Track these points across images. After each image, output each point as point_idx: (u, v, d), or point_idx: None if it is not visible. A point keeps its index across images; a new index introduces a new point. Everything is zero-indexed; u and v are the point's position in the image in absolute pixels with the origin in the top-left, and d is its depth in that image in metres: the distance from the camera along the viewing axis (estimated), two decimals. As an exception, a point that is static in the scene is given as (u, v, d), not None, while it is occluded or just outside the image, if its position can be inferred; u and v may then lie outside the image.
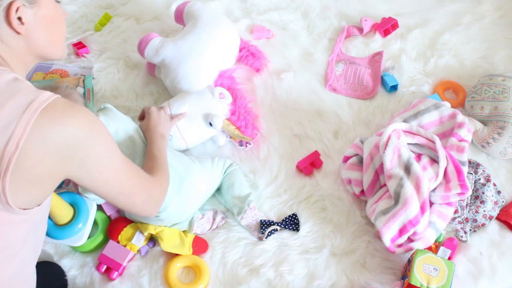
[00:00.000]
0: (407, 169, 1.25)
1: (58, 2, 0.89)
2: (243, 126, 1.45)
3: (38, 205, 0.82)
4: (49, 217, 1.18)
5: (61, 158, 0.76)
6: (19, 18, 0.79)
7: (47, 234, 1.18)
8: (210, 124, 1.39)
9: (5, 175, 0.72)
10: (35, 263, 0.94)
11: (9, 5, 0.77)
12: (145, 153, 1.22)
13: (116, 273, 1.24)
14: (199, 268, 1.25)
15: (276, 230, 1.32)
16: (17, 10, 0.78)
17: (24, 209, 0.78)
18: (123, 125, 1.25)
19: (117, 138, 1.22)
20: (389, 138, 1.29)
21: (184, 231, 1.30)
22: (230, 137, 1.47)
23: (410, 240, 1.25)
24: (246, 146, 1.46)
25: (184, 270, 1.28)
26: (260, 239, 1.31)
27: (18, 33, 0.80)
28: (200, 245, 1.28)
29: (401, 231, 1.21)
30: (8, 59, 0.81)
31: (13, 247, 0.82)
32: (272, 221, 1.33)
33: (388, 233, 1.21)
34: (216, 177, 1.35)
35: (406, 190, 1.21)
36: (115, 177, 0.88)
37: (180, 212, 1.26)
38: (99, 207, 1.32)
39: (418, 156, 1.33)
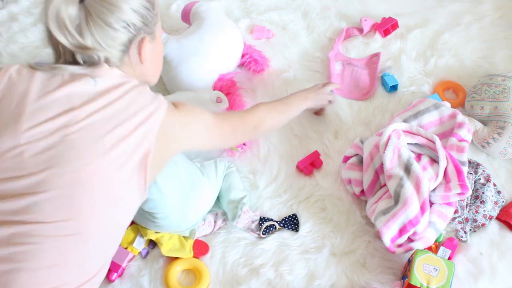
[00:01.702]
0: (407, 169, 1.25)
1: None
2: None
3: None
4: None
5: (175, 138, 0.97)
6: (144, 51, 0.99)
7: None
8: None
9: (147, 156, 0.90)
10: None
11: (142, 39, 0.97)
12: None
13: (115, 274, 1.24)
14: (199, 271, 1.25)
15: (274, 227, 1.32)
16: (145, 44, 0.99)
17: (147, 188, 0.95)
18: None
19: None
20: (389, 138, 1.29)
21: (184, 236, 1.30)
22: None
23: (410, 240, 1.25)
24: (235, 155, 1.45)
25: (184, 273, 1.27)
26: (259, 236, 1.31)
27: (141, 61, 1.00)
28: (200, 247, 1.28)
29: (401, 231, 1.21)
30: (133, 76, 1.00)
31: (122, 228, 0.99)
32: (271, 219, 1.33)
33: (388, 233, 1.21)
34: (218, 187, 1.34)
35: (406, 190, 1.21)
36: (210, 137, 1.10)
37: (181, 223, 1.25)
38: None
39: (418, 156, 1.33)
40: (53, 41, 0.91)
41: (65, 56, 0.92)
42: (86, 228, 0.87)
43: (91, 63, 0.92)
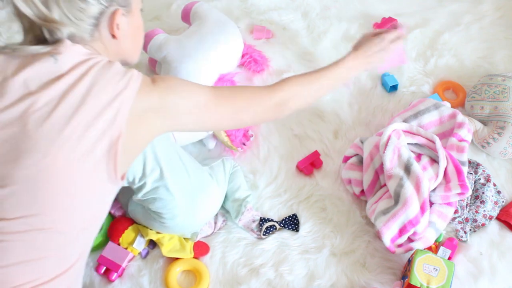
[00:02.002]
0: (407, 169, 1.25)
1: (141, 11, 0.99)
2: (233, 135, 1.43)
3: (122, 180, 0.90)
4: None
5: (155, 116, 0.88)
6: (117, 25, 0.90)
7: None
8: None
9: (117, 142, 0.83)
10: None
11: (114, 12, 0.88)
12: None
13: (115, 275, 1.24)
14: (199, 272, 1.25)
15: (275, 227, 1.32)
16: (118, 17, 0.89)
17: (121, 177, 0.88)
18: None
19: None
20: (389, 138, 1.29)
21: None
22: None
23: (410, 240, 1.25)
24: (235, 155, 1.45)
25: (184, 274, 1.27)
26: (259, 237, 1.31)
27: (114, 37, 0.91)
28: (201, 248, 1.28)
29: (401, 231, 1.21)
30: (106, 54, 0.92)
31: (100, 217, 0.93)
32: (271, 219, 1.33)
33: (388, 233, 1.21)
34: (225, 189, 1.34)
35: (406, 190, 1.21)
36: (204, 112, 0.95)
37: (187, 225, 1.25)
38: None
39: (418, 156, 1.33)
40: (19, 14, 0.84)
41: (34, 32, 0.86)
42: (53, 223, 0.83)
43: (55, 40, 0.85)
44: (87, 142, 0.81)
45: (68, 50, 0.84)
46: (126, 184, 1.22)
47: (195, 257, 1.27)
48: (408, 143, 1.33)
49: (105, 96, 0.82)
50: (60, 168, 0.80)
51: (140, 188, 1.17)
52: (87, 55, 0.85)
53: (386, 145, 1.28)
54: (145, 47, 1.52)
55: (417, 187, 1.22)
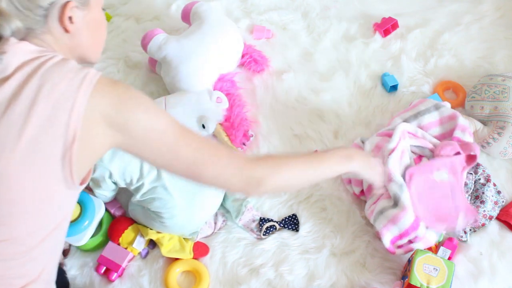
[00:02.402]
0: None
1: (103, 10, 0.94)
2: (234, 135, 1.43)
3: (85, 181, 0.85)
4: None
5: (113, 125, 0.79)
6: (70, 18, 0.83)
7: None
8: (203, 127, 1.38)
9: (72, 146, 0.76)
10: (63, 242, 0.95)
11: (65, 4, 0.82)
12: None
13: (115, 275, 1.24)
14: (199, 272, 1.25)
15: (275, 227, 1.32)
16: (69, 9, 0.83)
17: (80, 183, 0.82)
18: None
19: None
20: (398, 143, 1.27)
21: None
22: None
23: (410, 241, 1.24)
24: None
25: (184, 274, 1.27)
26: (259, 237, 1.31)
27: (66, 31, 0.84)
28: (200, 249, 1.28)
29: (402, 235, 1.21)
30: (58, 50, 0.86)
31: (59, 222, 0.86)
32: (271, 219, 1.33)
33: (388, 235, 1.21)
34: None
35: (406, 197, 1.21)
36: (161, 141, 0.83)
37: (186, 224, 1.26)
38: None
39: (419, 157, 1.33)
40: None
41: None
42: (10, 233, 0.79)
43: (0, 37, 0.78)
44: (39, 147, 0.75)
45: (13, 48, 0.77)
46: (123, 186, 1.23)
47: (194, 258, 1.27)
48: (410, 145, 1.33)
49: (56, 96, 0.75)
50: (11, 175, 0.75)
51: (138, 189, 1.18)
52: (36, 53, 0.79)
53: (394, 149, 1.26)
54: (144, 47, 1.52)
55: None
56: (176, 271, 1.25)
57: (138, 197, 1.20)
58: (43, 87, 0.75)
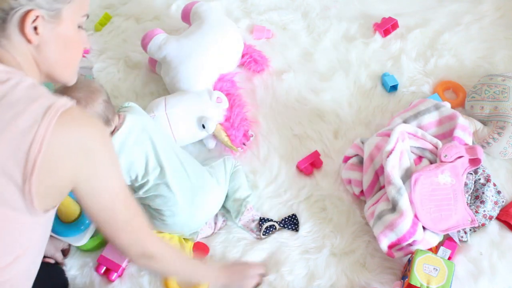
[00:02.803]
0: (407, 177, 1.25)
1: (82, 28, 0.89)
2: (234, 135, 1.44)
3: (54, 207, 0.82)
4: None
5: (74, 163, 0.77)
6: (35, 28, 0.78)
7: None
8: (203, 127, 1.38)
9: (31, 177, 0.72)
10: (39, 263, 0.93)
11: (27, 12, 0.76)
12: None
13: (115, 274, 1.24)
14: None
15: (274, 227, 1.32)
16: (35, 19, 0.77)
17: (45, 211, 0.79)
18: (149, 122, 1.24)
19: (147, 134, 1.20)
20: (396, 144, 1.27)
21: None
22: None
23: (409, 244, 1.24)
24: (235, 155, 1.45)
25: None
26: (258, 237, 1.31)
27: (29, 41, 0.79)
28: (200, 249, 1.28)
29: (400, 240, 1.21)
30: (22, 62, 0.81)
31: (26, 248, 0.83)
32: (271, 219, 1.33)
33: (385, 241, 1.21)
34: (226, 189, 1.34)
35: (404, 201, 1.21)
36: (110, 200, 0.85)
37: (186, 224, 1.26)
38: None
39: (419, 158, 1.33)
40: None
41: None
42: None
43: None
44: None
45: None
46: (128, 183, 1.23)
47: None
48: (410, 146, 1.33)
49: (22, 125, 0.72)
50: None
51: (143, 185, 1.18)
52: (3, 74, 0.75)
53: (392, 151, 1.26)
54: (144, 47, 1.52)
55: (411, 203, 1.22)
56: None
57: (141, 193, 1.20)
58: (6, 116, 0.72)
